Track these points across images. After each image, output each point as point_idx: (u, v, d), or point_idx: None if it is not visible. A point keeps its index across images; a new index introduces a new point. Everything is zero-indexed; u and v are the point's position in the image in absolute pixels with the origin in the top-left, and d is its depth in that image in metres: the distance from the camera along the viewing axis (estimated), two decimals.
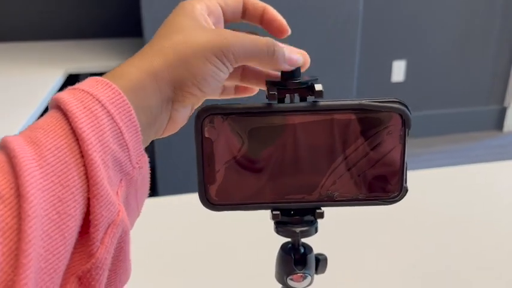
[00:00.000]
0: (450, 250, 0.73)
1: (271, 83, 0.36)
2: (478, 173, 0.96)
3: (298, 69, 0.36)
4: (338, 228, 0.75)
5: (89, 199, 0.28)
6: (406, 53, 2.70)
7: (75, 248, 0.27)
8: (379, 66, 2.71)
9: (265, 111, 0.35)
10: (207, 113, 0.35)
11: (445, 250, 0.73)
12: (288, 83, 0.36)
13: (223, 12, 0.37)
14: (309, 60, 0.37)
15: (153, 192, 1.87)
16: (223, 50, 0.32)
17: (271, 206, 0.38)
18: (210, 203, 0.37)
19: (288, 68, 0.36)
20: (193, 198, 0.82)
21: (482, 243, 0.74)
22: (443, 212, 0.82)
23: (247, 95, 0.42)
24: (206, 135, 0.36)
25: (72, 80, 1.93)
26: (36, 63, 1.85)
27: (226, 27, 0.39)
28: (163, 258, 0.71)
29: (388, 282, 0.66)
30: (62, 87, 1.72)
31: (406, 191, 0.37)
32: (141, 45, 2.00)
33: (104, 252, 0.28)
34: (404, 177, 0.37)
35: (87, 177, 0.27)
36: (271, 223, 0.39)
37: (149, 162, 0.33)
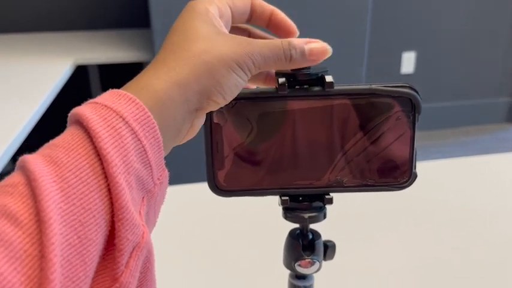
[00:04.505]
0: (460, 240, 0.72)
1: (281, 75, 0.36)
2: (488, 164, 0.95)
3: None
4: (347, 216, 0.75)
5: (112, 222, 0.27)
6: (416, 44, 2.67)
7: (97, 271, 0.27)
8: (389, 57, 2.68)
9: (274, 97, 0.35)
10: None
11: (455, 240, 0.72)
12: (297, 74, 0.35)
13: (231, 14, 0.36)
14: (329, 49, 0.35)
15: None
16: (245, 59, 0.32)
17: (279, 192, 0.37)
18: (219, 188, 0.37)
19: (312, 63, 0.34)
20: (199, 187, 0.82)
21: (492, 234, 0.73)
22: (454, 203, 0.81)
23: None
24: (215, 121, 0.36)
25: (80, 71, 1.93)
26: (45, 54, 1.85)
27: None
28: (169, 246, 0.72)
29: (396, 270, 0.66)
30: (70, 78, 1.73)
31: (416, 176, 0.37)
32: (148, 36, 1.99)
33: (129, 276, 0.27)
34: (414, 163, 0.37)
35: (110, 200, 0.26)
36: (279, 210, 0.39)
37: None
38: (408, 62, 2.70)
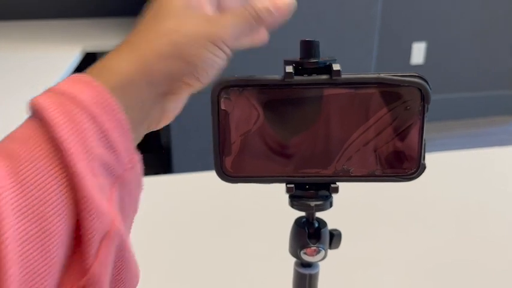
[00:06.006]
0: (468, 233, 0.72)
1: (288, 62, 0.35)
2: (498, 156, 0.95)
3: (316, 49, 0.36)
4: (354, 206, 0.75)
5: (76, 213, 0.26)
6: (426, 34, 2.64)
7: (66, 265, 0.26)
8: (399, 48, 2.66)
9: (282, 85, 0.35)
10: (223, 85, 0.35)
11: (462, 232, 0.72)
12: (305, 62, 0.35)
13: None
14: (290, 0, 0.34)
15: (169, 171, 1.89)
16: (220, 35, 0.30)
17: (285, 180, 0.37)
18: (226, 174, 0.37)
19: (280, 19, 0.33)
20: (205, 176, 0.83)
21: (501, 227, 0.73)
22: (462, 195, 0.81)
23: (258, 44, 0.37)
24: (222, 107, 0.35)
25: (89, 58, 1.94)
26: (54, 41, 1.86)
27: None
28: (177, 234, 0.72)
29: (402, 260, 0.66)
30: (80, 65, 1.73)
31: (424, 168, 0.36)
32: None
33: (99, 267, 0.26)
34: (423, 154, 0.36)
35: (72, 189, 0.25)
36: (285, 197, 0.39)
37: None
38: (418, 53, 2.67)
